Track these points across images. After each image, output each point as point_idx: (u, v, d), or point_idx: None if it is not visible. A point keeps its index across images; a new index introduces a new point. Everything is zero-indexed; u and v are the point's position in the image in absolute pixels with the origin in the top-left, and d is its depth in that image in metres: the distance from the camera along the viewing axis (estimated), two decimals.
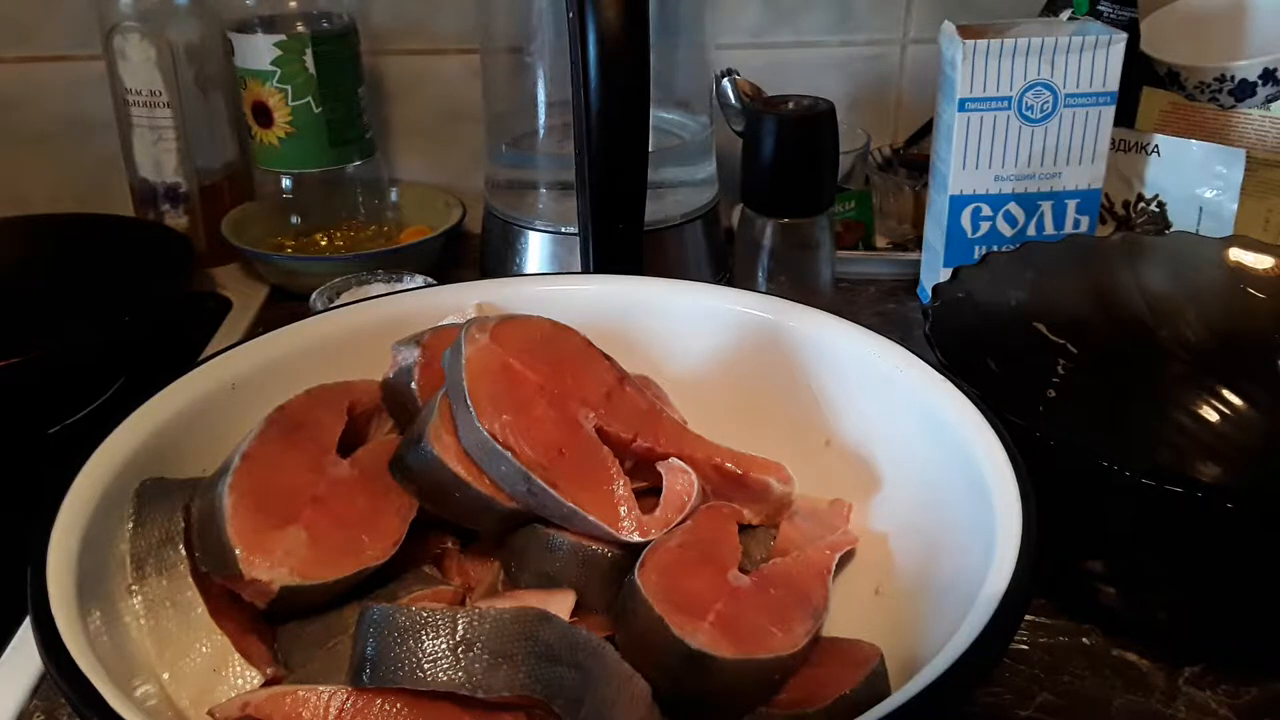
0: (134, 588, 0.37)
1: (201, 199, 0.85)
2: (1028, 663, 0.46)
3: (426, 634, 0.31)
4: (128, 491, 0.39)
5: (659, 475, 0.43)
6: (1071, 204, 0.71)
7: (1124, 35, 0.67)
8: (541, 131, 0.79)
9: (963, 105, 0.68)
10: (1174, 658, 0.46)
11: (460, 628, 0.31)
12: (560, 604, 0.38)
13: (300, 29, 0.79)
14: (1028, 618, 0.49)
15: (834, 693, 0.35)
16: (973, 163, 0.70)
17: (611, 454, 0.41)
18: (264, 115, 0.81)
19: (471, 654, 0.31)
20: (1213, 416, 0.59)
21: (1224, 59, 0.75)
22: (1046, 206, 0.71)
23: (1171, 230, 0.74)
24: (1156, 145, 0.74)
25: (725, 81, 0.83)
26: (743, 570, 0.40)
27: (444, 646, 0.31)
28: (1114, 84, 0.68)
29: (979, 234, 0.72)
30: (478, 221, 0.84)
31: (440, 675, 0.31)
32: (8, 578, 0.37)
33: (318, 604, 0.38)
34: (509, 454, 0.38)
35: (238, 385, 0.45)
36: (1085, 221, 0.72)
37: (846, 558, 0.43)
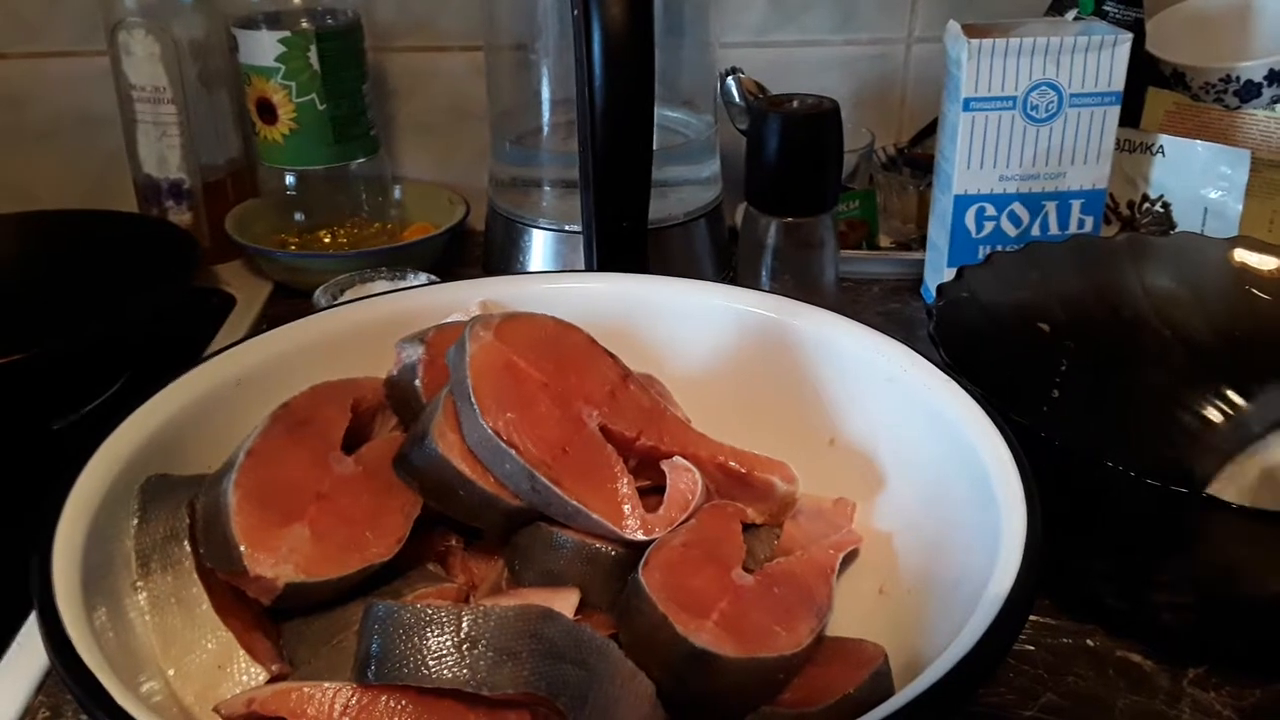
0: (139, 584, 0.37)
1: (205, 195, 0.85)
2: (1031, 663, 0.46)
3: (431, 631, 0.31)
4: (132, 488, 0.39)
5: (663, 474, 0.43)
6: (1076, 204, 0.71)
7: (1129, 35, 0.67)
8: (546, 129, 0.79)
9: (967, 105, 0.68)
10: (1178, 659, 0.46)
11: (465, 625, 0.32)
12: (564, 602, 0.38)
13: (305, 25, 0.79)
14: (1031, 618, 0.49)
15: (837, 692, 0.35)
16: (977, 162, 0.70)
17: (615, 452, 0.41)
18: (268, 112, 0.81)
19: (476, 651, 0.31)
20: (1217, 417, 0.59)
21: (1229, 59, 0.75)
22: (1051, 206, 0.71)
23: (1176, 231, 0.74)
24: (1161, 146, 0.74)
25: (730, 80, 0.83)
26: (747, 569, 0.40)
27: (448, 643, 0.31)
28: (1119, 84, 0.68)
29: (983, 234, 0.72)
30: (481, 219, 0.84)
31: (445, 672, 0.31)
32: (13, 574, 0.37)
33: (322, 601, 0.38)
34: (513, 452, 0.38)
35: (242, 382, 0.45)
36: (1090, 222, 0.72)
37: (850, 557, 0.43)
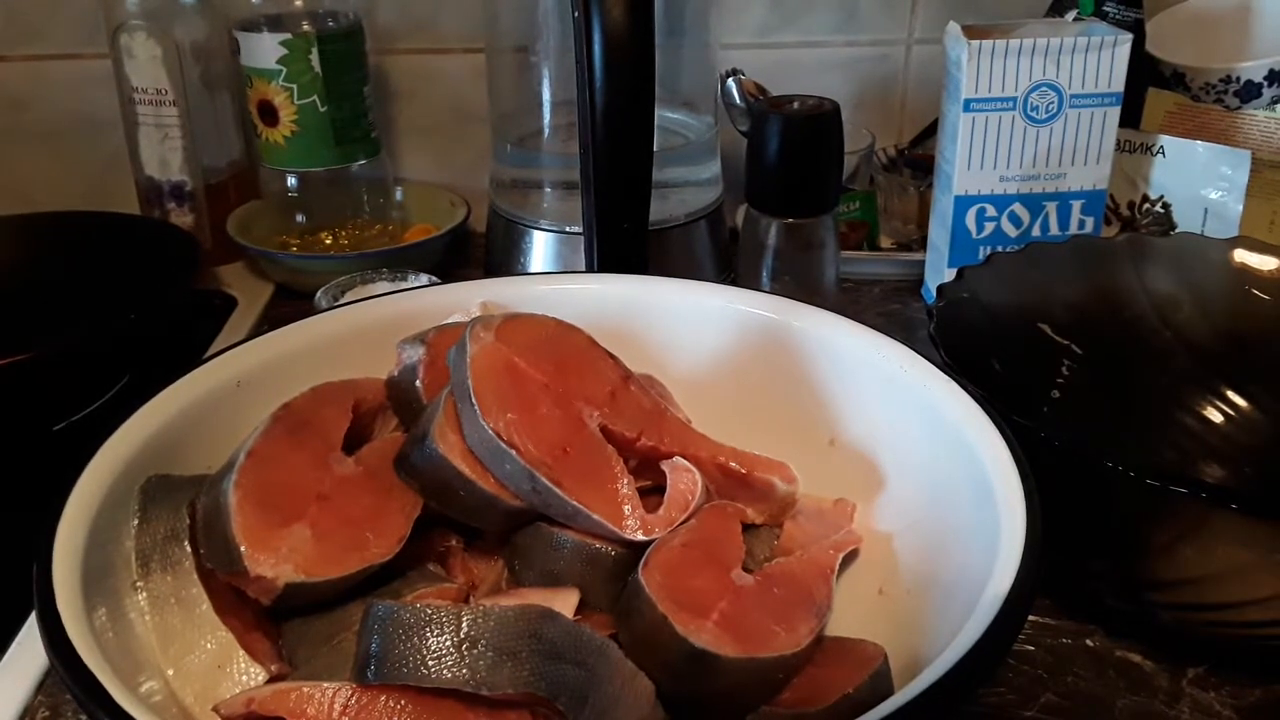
0: (139, 584, 0.37)
1: (207, 197, 0.85)
2: (1031, 663, 0.46)
3: (431, 631, 0.31)
4: (133, 488, 0.39)
5: (663, 474, 0.43)
6: (1076, 205, 0.71)
7: (1129, 36, 0.67)
8: (546, 131, 0.79)
9: (968, 105, 0.68)
10: (1178, 659, 0.46)
11: (465, 625, 0.32)
12: (564, 602, 0.38)
13: (306, 28, 0.79)
14: (1031, 618, 0.49)
15: (837, 692, 0.35)
16: (978, 163, 0.70)
17: (616, 453, 0.41)
18: (270, 114, 0.81)
19: (476, 651, 0.31)
20: (1217, 418, 0.59)
21: (1230, 60, 0.75)
22: (1051, 207, 0.71)
23: (1176, 231, 0.74)
24: (1162, 146, 0.74)
25: (730, 81, 0.83)
26: (746, 569, 0.40)
27: (448, 643, 0.31)
28: (1119, 85, 0.68)
29: (984, 234, 0.72)
30: (482, 221, 0.84)
31: (445, 672, 0.31)
32: (14, 574, 0.37)
33: (322, 601, 0.38)
34: (513, 452, 0.38)
35: (243, 383, 0.45)
36: (1090, 222, 0.72)
37: (850, 557, 0.43)
